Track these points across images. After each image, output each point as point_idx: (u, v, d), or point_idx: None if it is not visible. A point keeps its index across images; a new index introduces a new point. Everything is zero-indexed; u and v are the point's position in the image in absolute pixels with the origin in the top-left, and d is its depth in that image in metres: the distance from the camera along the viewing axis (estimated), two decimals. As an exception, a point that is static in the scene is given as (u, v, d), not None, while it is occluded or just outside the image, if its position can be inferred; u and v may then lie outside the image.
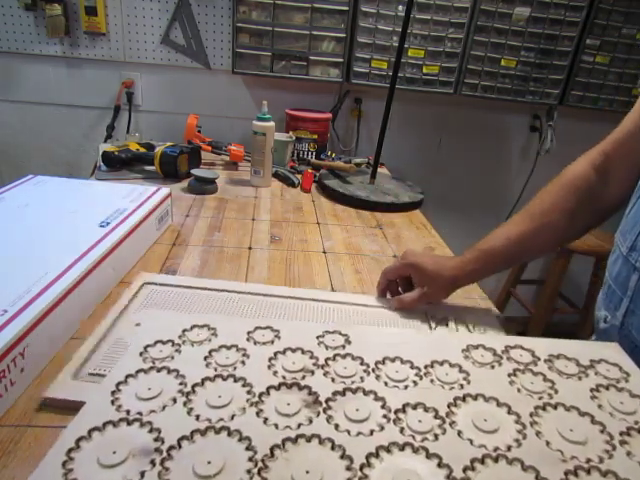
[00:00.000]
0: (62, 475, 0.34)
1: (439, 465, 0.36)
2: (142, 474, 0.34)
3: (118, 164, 1.18)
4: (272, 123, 1.16)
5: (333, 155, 1.50)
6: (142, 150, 1.24)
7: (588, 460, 0.38)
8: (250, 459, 0.36)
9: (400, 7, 1.46)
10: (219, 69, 1.59)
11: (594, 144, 0.67)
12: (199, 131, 1.40)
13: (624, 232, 0.60)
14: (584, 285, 1.91)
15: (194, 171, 1.12)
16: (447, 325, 0.65)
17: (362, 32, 1.49)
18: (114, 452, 0.36)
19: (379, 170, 1.31)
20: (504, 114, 1.77)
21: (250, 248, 0.86)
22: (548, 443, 0.40)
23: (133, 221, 0.73)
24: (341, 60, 1.52)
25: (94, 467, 0.35)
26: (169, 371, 0.45)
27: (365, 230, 1.01)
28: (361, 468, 0.35)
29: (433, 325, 0.65)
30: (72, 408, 0.42)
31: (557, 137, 1.74)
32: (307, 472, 0.35)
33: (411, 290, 0.68)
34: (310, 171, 1.32)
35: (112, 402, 0.41)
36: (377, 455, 0.37)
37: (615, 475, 0.37)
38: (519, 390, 0.46)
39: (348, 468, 0.36)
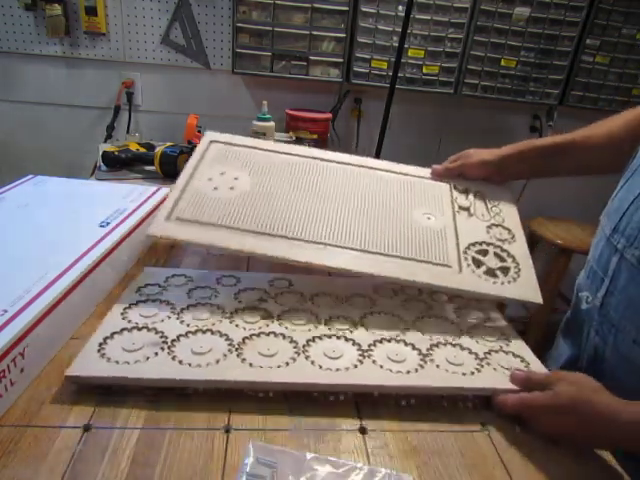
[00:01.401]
0: (99, 356, 0.50)
1: (352, 344, 0.56)
2: (156, 354, 0.51)
3: (118, 164, 1.18)
4: (272, 123, 1.16)
5: (333, 155, 1.50)
6: (142, 150, 1.24)
7: (446, 339, 0.59)
8: (229, 344, 0.53)
9: (400, 7, 1.47)
10: (219, 69, 1.59)
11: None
12: (199, 131, 1.40)
13: (609, 214, 0.60)
14: (584, 285, 1.91)
15: (194, 171, 1.12)
16: (467, 196, 0.75)
17: (362, 32, 1.49)
18: (133, 343, 0.52)
19: (379, 170, 1.30)
20: (504, 114, 1.77)
21: (250, 248, 0.86)
22: (431, 337, 0.59)
23: (133, 221, 0.73)
24: (341, 60, 1.52)
25: (120, 351, 0.51)
26: (161, 301, 0.61)
27: (365, 230, 1.01)
28: (303, 347, 0.54)
29: (455, 194, 0.75)
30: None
31: (557, 137, 1.74)
32: (268, 349, 0.53)
33: None
34: (310, 171, 1.32)
35: (123, 318, 0.57)
36: (313, 340, 0.56)
37: (460, 346, 0.57)
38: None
39: (294, 347, 0.54)
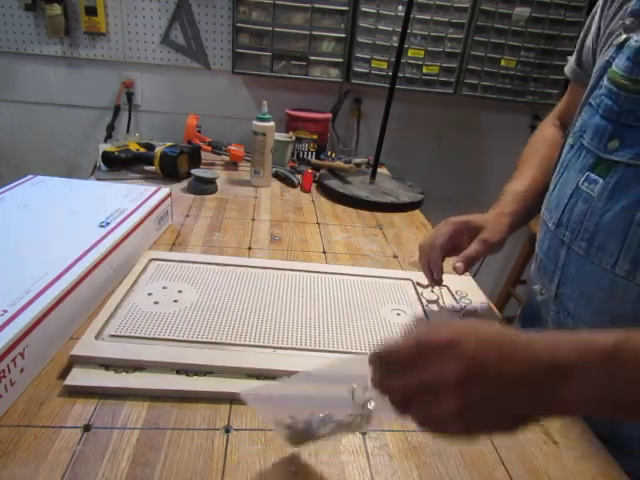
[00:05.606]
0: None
1: None
2: None
3: (118, 164, 1.17)
4: (272, 123, 1.16)
5: (333, 155, 1.50)
6: (142, 150, 1.23)
7: None
8: None
9: (400, 7, 1.46)
10: (219, 69, 1.59)
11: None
12: (199, 131, 1.40)
13: (550, 209, 0.62)
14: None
15: (194, 171, 1.12)
16: (432, 290, 0.73)
17: (362, 32, 1.49)
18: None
19: (379, 170, 1.31)
20: (504, 114, 1.77)
21: (250, 248, 0.86)
22: None
23: (133, 221, 0.73)
24: (341, 60, 1.52)
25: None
26: None
27: (365, 230, 1.01)
28: None
29: (420, 289, 0.73)
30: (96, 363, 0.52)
31: (557, 137, 1.74)
32: None
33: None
34: (310, 171, 1.32)
35: None
36: None
37: None
38: None
39: None
